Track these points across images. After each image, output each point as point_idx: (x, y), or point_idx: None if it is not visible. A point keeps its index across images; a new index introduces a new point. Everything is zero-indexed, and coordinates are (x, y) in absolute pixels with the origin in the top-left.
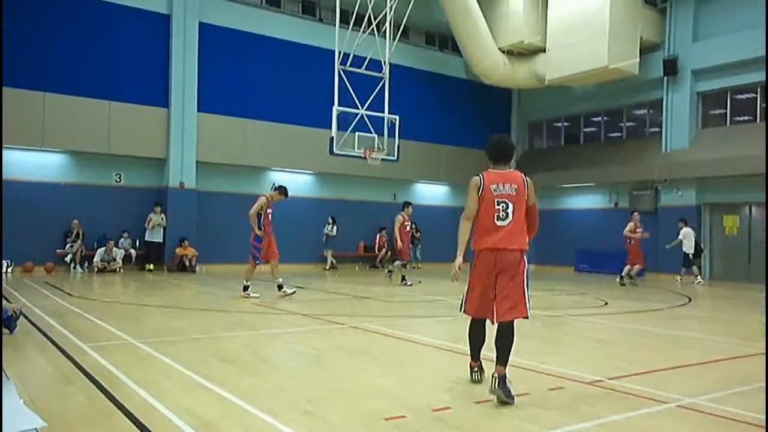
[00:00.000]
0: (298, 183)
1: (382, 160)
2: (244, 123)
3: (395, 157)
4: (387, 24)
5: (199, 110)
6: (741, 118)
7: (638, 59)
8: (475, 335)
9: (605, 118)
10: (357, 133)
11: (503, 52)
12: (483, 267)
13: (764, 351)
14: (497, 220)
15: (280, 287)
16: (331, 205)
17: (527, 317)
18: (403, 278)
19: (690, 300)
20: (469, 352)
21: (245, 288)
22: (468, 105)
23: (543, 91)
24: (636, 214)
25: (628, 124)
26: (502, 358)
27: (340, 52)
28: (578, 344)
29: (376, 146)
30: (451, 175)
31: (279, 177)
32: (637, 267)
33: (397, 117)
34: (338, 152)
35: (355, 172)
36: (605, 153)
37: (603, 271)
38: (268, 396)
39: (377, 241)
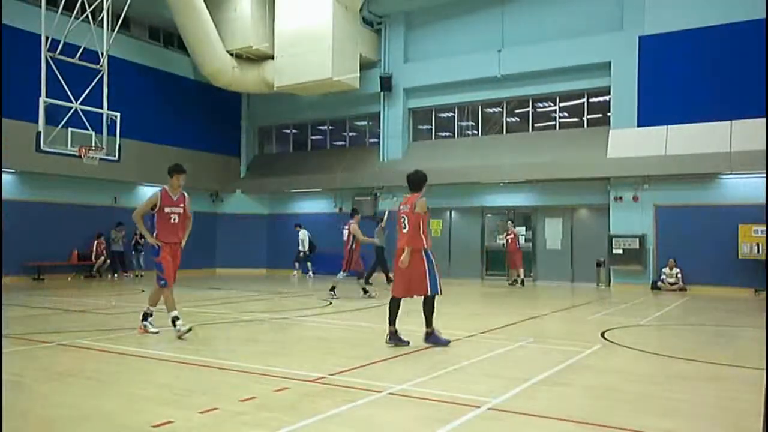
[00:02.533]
0: None
1: (101, 159)
2: None
3: (116, 157)
4: (104, 12)
5: None
6: (443, 134)
7: (359, 74)
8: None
9: (331, 127)
10: (70, 129)
11: (232, 55)
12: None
13: None
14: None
15: None
16: (38, 209)
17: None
18: (333, 289)
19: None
20: None
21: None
22: (197, 106)
23: (273, 98)
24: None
25: (350, 134)
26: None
27: (47, 38)
28: (303, 344)
29: (93, 144)
30: None
31: None
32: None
33: (119, 114)
34: (47, 149)
35: (68, 172)
36: (330, 160)
37: (329, 273)
38: None
39: (94, 248)
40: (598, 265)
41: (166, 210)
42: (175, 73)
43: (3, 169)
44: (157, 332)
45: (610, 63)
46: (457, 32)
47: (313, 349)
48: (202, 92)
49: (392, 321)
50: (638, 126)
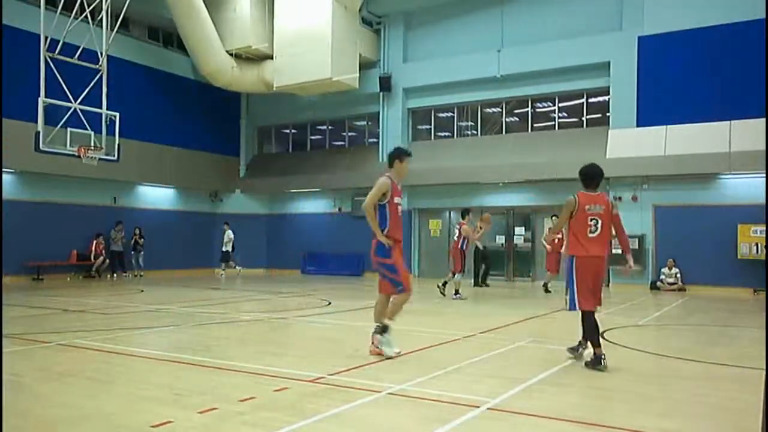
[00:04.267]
0: None
1: (100, 159)
2: None
3: (115, 157)
4: (103, 12)
5: None
6: (443, 134)
7: (358, 74)
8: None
9: (330, 127)
10: (70, 129)
11: (231, 55)
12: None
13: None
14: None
15: None
16: (37, 209)
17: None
18: (457, 291)
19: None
20: None
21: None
22: (196, 106)
23: (272, 98)
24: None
25: (350, 134)
26: None
27: (46, 37)
28: (302, 344)
29: (92, 144)
30: (178, 177)
31: None
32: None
33: (117, 114)
34: (46, 149)
35: (68, 173)
36: (330, 160)
37: (329, 273)
38: None
39: (93, 248)
40: None
41: (396, 200)
42: (175, 73)
43: (3, 169)
44: (398, 352)
45: (609, 63)
46: (457, 32)
47: (312, 349)
48: (202, 92)
49: (597, 341)
50: (637, 126)
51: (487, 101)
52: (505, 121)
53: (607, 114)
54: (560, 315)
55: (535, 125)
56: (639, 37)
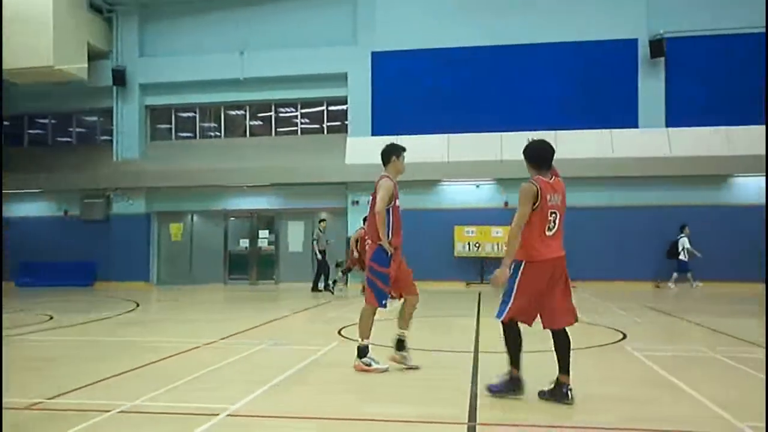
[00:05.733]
0: None
1: None
2: None
3: None
4: None
5: None
6: (184, 134)
7: (87, 64)
8: None
9: (53, 121)
10: None
11: None
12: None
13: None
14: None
15: None
16: None
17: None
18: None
19: (138, 305)
20: None
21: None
22: None
23: None
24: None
25: (78, 129)
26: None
27: None
28: (15, 367)
29: None
30: None
31: None
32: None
33: None
34: None
35: None
36: (54, 158)
37: (52, 284)
38: None
39: None
40: (338, 265)
41: (397, 203)
42: None
43: None
44: (386, 368)
45: (346, 74)
46: (199, 30)
47: (28, 371)
48: None
49: (517, 360)
50: (372, 135)
51: (230, 103)
52: (249, 125)
53: (346, 122)
54: (300, 316)
55: (278, 130)
56: (372, 53)
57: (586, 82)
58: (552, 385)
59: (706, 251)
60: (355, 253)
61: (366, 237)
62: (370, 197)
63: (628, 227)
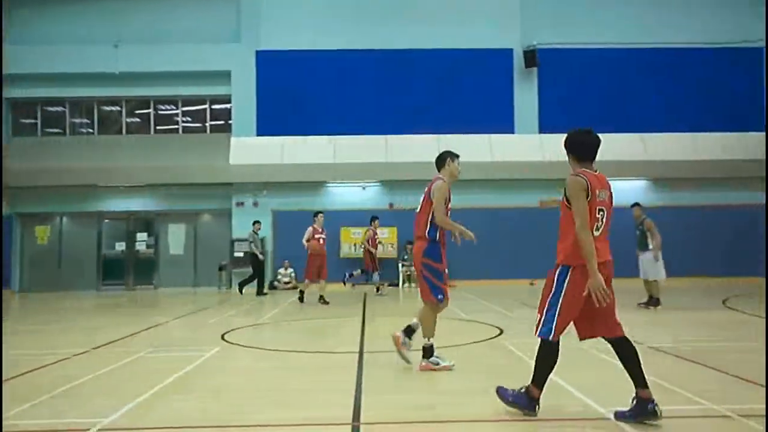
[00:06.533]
0: None
1: None
2: None
3: None
4: None
5: None
6: (53, 130)
7: None
8: None
9: None
10: None
11: None
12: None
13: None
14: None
15: None
16: None
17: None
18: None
19: None
20: None
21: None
22: None
23: None
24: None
25: None
26: None
27: None
28: None
29: None
30: None
31: None
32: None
33: None
34: None
35: None
36: None
37: None
38: None
39: None
40: (221, 268)
41: (449, 205)
42: None
43: None
44: (453, 366)
45: (230, 72)
46: (69, 19)
47: None
48: None
49: (542, 381)
50: (257, 135)
51: (105, 98)
52: (126, 121)
53: (230, 121)
54: (181, 322)
55: (158, 127)
56: (257, 51)
57: (466, 89)
58: (633, 403)
59: None
60: (374, 251)
61: (417, 236)
62: (423, 196)
63: (504, 228)
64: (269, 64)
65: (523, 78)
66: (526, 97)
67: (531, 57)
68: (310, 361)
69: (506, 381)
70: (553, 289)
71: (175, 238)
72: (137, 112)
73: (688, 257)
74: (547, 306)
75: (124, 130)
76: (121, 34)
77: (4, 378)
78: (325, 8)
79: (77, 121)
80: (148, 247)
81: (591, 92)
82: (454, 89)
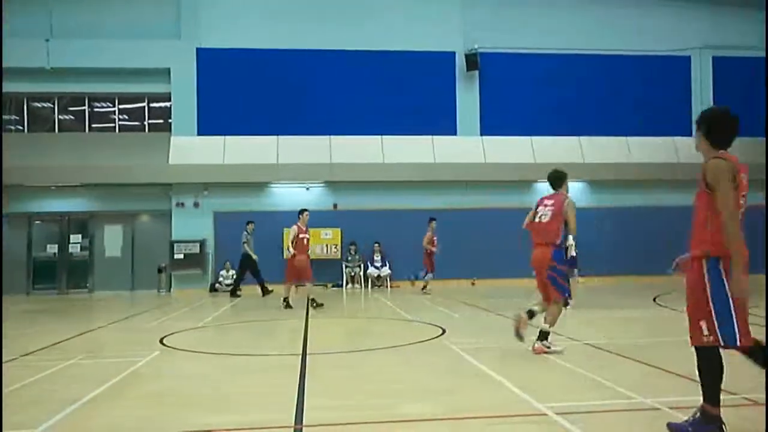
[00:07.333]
0: None
1: None
2: None
3: None
4: None
5: None
6: None
7: None
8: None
9: None
10: None
11: None
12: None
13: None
14: None
15: None
16: None
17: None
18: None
19: None
20: None
21: None
22: None
23: None
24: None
25: None
26: None
27: None
28: None
29: None
30: None
31: None
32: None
33: None
34: None
35: None
36: None
37: None
38: None
39: None
40: (160, 271)
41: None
42: None
43: None
44: (563, 351)
45: (169, 70)
46: None
47: None
48: None
49: (716, 394)
50: (198, 134)
51: (35, 94)
52: (59, 119)
53: (170, 120)
54: (118, 326)
55: (93, 126)
56: (198, 49)
57: (410, 91)
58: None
59: (519, 251)
60: (434, 250)
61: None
62: (550, 208)
63: (446, 228)
64: (210, 61)
65: (465, 81)
66: (467, 99)
67: (473, 60)
68: (253, 364)
69: (451, 380)
70: (710, 285)
71: (112, 239)
72: (71, 109)
73: (619, 257)
74: (712, 307)
75: (56, 128)
76: (54, 27)
77: None
78: (268, 7)
79: (5, 117)
80: (82, 249)
81: (530, 96)
82: (397, 91)
